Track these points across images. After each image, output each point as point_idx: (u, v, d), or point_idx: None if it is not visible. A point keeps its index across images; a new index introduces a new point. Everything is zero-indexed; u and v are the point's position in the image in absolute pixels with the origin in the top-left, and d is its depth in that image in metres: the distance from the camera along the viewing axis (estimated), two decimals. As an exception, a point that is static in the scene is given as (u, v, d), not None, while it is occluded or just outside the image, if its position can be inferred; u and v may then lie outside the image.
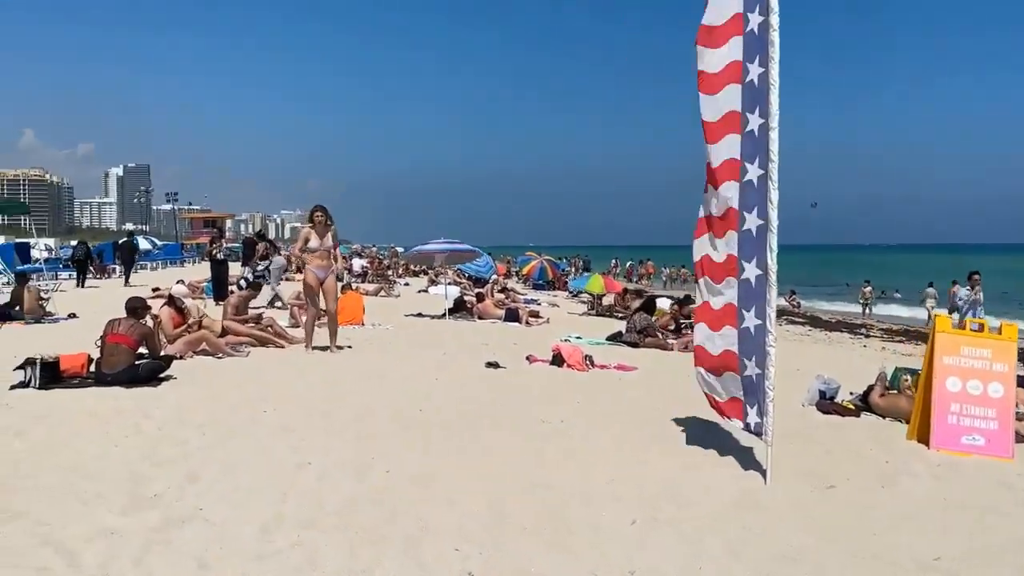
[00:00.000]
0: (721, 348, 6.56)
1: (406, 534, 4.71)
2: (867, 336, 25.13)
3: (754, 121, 6.34)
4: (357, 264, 36.05)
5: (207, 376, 9.70)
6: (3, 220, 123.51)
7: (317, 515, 4.96)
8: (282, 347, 12.38)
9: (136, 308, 9.58)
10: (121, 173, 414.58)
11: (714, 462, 6.53)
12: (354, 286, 22.96)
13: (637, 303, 24.71)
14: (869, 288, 35.94)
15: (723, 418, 6.81)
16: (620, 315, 24.87)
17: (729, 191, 6.49)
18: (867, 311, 35.02)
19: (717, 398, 6.76)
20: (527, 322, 18.91)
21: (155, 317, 9.67)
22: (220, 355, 11.18)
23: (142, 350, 9.42)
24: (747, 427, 6.45)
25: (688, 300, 20.38)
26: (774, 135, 6.15)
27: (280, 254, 24.70)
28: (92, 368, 9.22)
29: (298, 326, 15.15)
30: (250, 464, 5.97)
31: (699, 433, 7.40)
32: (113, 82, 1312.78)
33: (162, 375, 9.30)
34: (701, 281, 6.86)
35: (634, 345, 15.48)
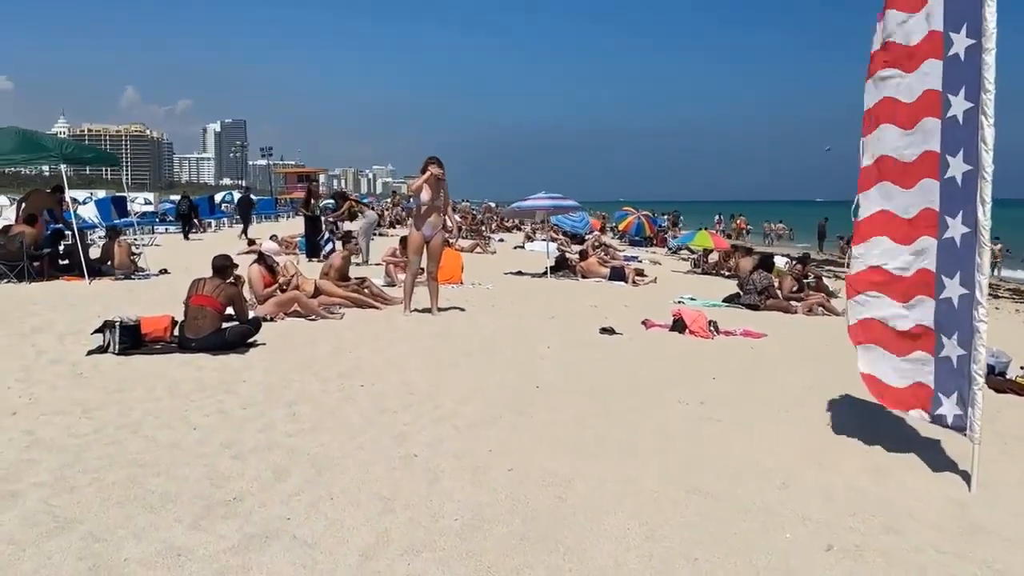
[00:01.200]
0: (912, 323, 5.31)
1: (549, 566, 3.69)
2: (995, 297, 23.14)
3: (959, 43, 5.05)
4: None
5: (299, 342, 8.86)
6: (106, 175, 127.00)
7: (431, 534, 3.96)
8: (379, 309, 11.51)
9: (223, 267, 8.75)
10: (219, 129, 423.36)
11: (905, 464, 5.31)
12: (451, 243, 22.04)
13: (746, 261, 23.33)
14: (999, 246, 32.47)
15: (897, 408, 5.59)
16: (727, 274, 23.53)
17: (926, 130, 5.21)
18: (996, 271, 31.70)
19: (891, 383, 5.52)
20: (634, 281, 17.73)
21: (238, 279, 8.81)
22: (313, 317, 10.36)
23: (231, 311, 8.63)
24: (937, 420, 5.23)
25: (806, 258, 18.93)
26: (990, 59, 4.84)
27: (371, 209, 24.02)
28: (176, 332, 8.47)
29: (393, 284, 14.31)
30: (346, 458, 5.03)
31: (872, 423, 6.18)
32: (211, 40, 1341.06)
33: (251, 340, 8.50)
34: (871, 241, 5.60)
35: (754, 308, 14.19)
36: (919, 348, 5.25)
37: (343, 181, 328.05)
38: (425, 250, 11.02)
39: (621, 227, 41.29)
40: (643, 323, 11.06)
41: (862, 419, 6.30)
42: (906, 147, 5.36)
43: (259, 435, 5.42)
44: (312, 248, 19.70)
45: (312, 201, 20.62)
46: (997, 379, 8.15)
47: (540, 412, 6.23)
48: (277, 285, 10.75)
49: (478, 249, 25.65)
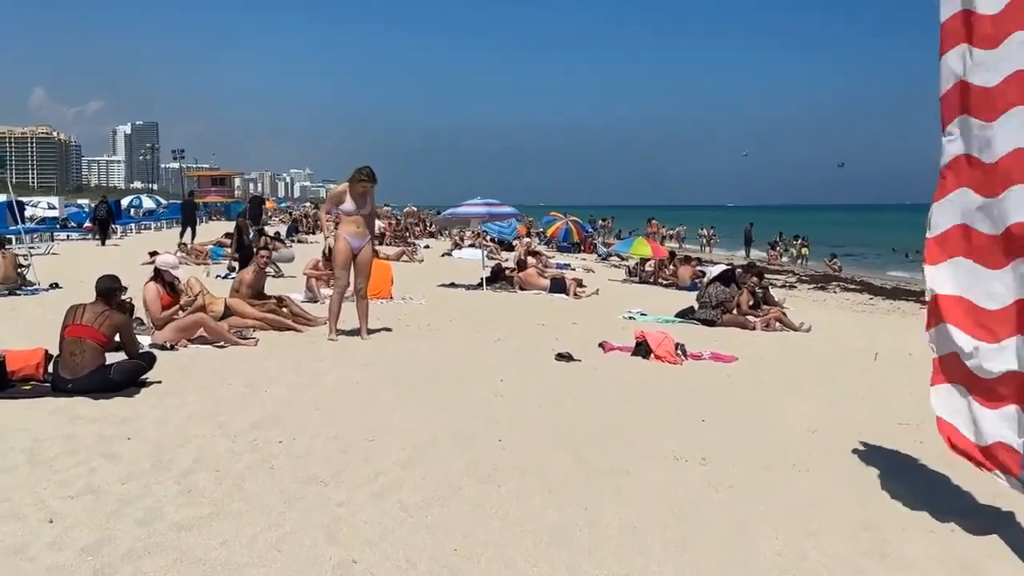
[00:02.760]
0: (1002, 367, 4.14)
1: None
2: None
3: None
4: (376, 225, 33.68)
5: (203, 378, 7.39)
6: (9, 178, 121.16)
7: None
8: (300, 331, 10.07)
9: (109, 290, 7.16)
10: (129, 131, 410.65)
11: (990, 551, 4.14)
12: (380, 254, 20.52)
13: (686, 269, 22.44)
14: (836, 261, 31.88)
15: (977, 467, 4.42)
16: (664, 282, 22.61)
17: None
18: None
19: (970, 436, 4.36)
20: (575, 294, 16.55)
21: (124, 305, 7.27)
22: (222, 344, 8.89)
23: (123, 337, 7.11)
24: None
25: (752, 266, 18.08)
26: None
27: (287, 246, 22.55)
28: (51, 368, 6.92)
29: (316, 301, 12.85)
30: (258, 566, 3.65)
31: (920, 483, 5.06)
32: (126, 40, 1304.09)
33: (142, 379, 7.00)
34: (948, 264, 4.44)
35: (711, 323, 13.14)
36: (1010, 400, 4.09)
37: (259, 185, 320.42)
38: (353, 264, 9.65)
39: (549, 233, 40.34)
40: (601, 346, 9.86)
41: (905, 477, 5.18)
42: (981, 146, 4.22)
43: (138, 530, 3.99)
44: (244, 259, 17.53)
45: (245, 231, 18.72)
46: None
47: (509, 478, 4.92)
48: (178, 306, 9.22)
49: (404, 257, 24.22)
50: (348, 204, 9.63)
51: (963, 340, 4.24)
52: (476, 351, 9.26)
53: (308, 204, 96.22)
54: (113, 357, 7.01)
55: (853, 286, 28.40)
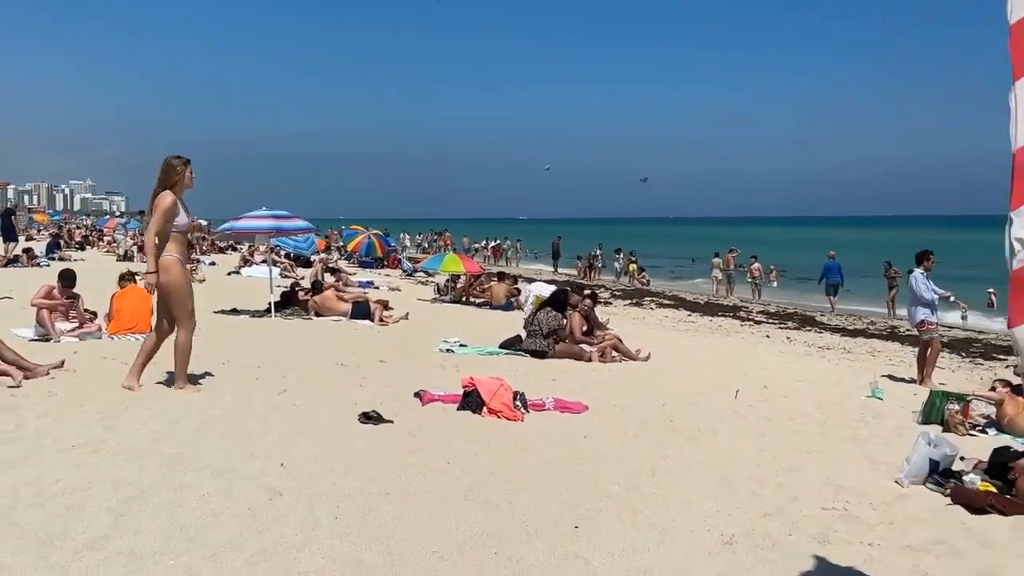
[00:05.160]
0: None
1: None
2: (756, 323, 22.09)
3: None
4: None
5: None
6: None
7: None
8: (15, 381, 7.35)
9: None
10: None
11: None
12: (139, 276, 17.28)
13: (500, 287, 20.64)
14: (758, 264, 31.42)
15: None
16: (477, 301, 20.76)
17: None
18: (757, 295, 30.33)
19: None
20: (381, 319, 14.27)
21: None
22: None
23: None
24: None
25: (579, 288, 16.45)
26: None
27: None
28: None
29: (49, 339, 10.01)
30: None
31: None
32: None
33: None
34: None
35: (541, 355, 11.29)
36: None
37: (36, 197, 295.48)
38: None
39: (350, 247, 37.78)
40: (418, 396, 7.71)
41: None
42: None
43: None
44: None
45: None
46: (953, 486, 5.60)
47: None
48: None
49: (182, 277, 21.04)
50: (181, 216, 7.27)
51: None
52: (249, 414, 6.82)
53: (86, 217, 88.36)
54: None
55: (667, 301, 27.69)
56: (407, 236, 57.30)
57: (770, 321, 22.61)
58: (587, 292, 13.59)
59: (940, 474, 5.79)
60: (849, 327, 21.69)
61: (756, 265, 30.76)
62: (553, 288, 20.23)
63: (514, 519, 4.64)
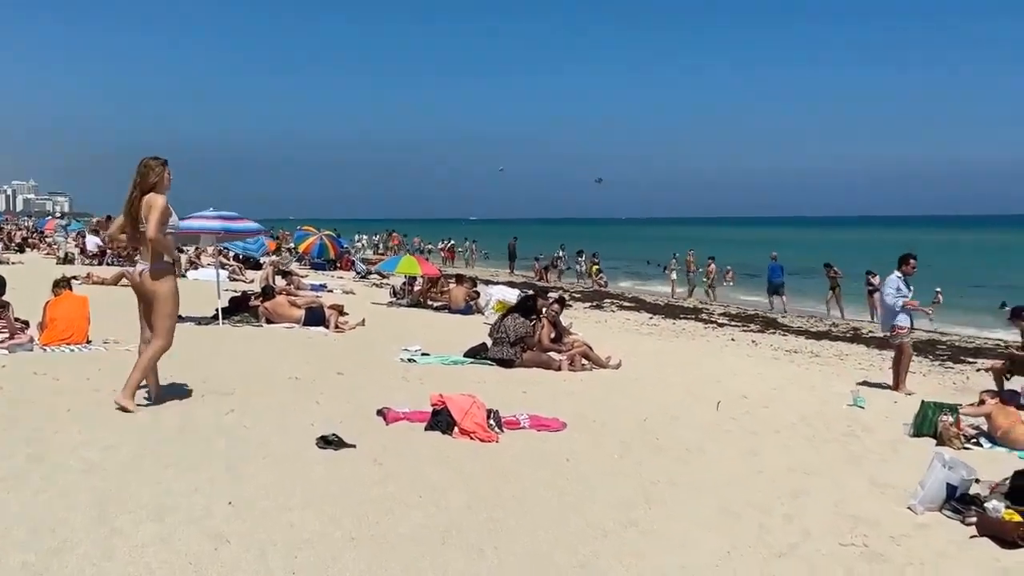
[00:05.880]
0: None
1: None
2: (719, 325, 21.72)
3: None
4: (92, 242, 28.72)
5: None
6: None
7: None
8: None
9: None
10: None
11: None
12: (77, 281, 16.35)
13: (459, 290, 20.00)
14: (714, 265, 31.01)
15: None
16: (435, 305, 20.13)
17: None
18: (711, 296, 29.99)
19: None
20: (336, 325, 13.56)
21: None
22: None
23: None
24: None
25: (543, 292, 15.91)
26: None
27: None
28: None
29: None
30: None
31: None
32: None
33: None
34: None
35: (508, 364, 10.71)
36: None
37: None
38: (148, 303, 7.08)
39: (301, 248, 36.74)
40: (381, 414, 7.06)
41: None
42: None
43: None
44: None
45: None
46: (980, 516, 5.11)
47: None
48: None
49: (124, 280, 20.10)
50: (174, 218, 7.11)
51: None
52: (193, 438, 6.11)
53: (28, 218, 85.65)
54: None
55: (627, 303, 27.23)
56: (365, 236, 56.43)
57: (733, 323, 22.25)
58: (555, 297, 12.99)
59: (958, 500, 5.31)
60: (812, 329, 21.41)
61: (712, 267, 30.53)
62: (516, 292, 19.81)
63: (501, 568, 4.04)
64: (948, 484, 5.33)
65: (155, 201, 6.75)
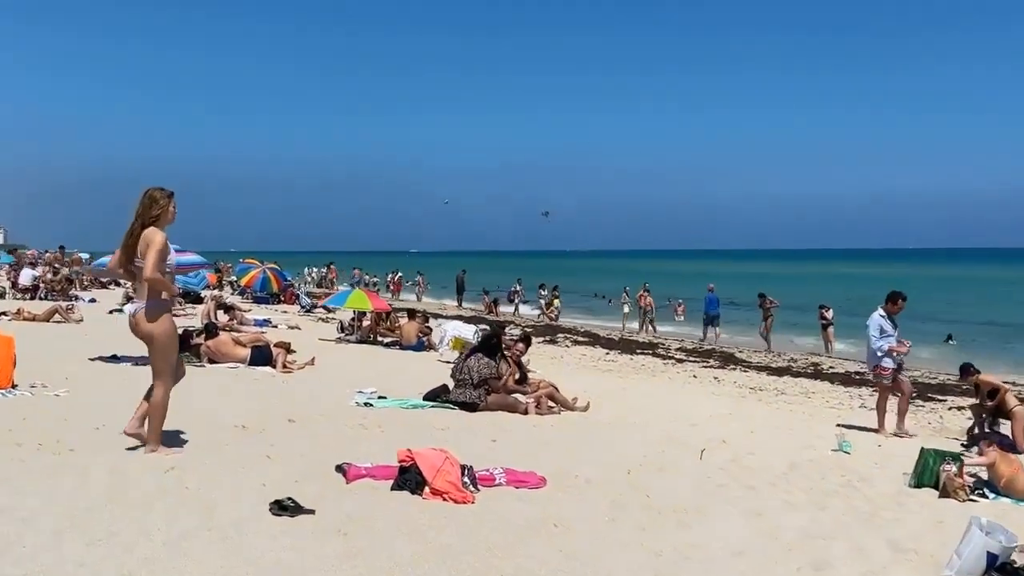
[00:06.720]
0: None
1: None
2: (678, 361, 21.25)
3: None
4: (27, 276, 27.26)
5: None
6: None
7: None
8: None
9: None
10: None
11: None
12: (6, 318, 15.24)
13: (410, 325, 19.24)
14: (650, 299, 30.88)
15: None
16: (386, 340, 19.38)
17: None
18: (646, 327, 30.19)
19: None
20: (284, 365, 12.71)
21: None
22: None
23: None
24: None
25: (502, 327, 15.20)
26: None
27: None
28: None
29: None
30: None
31: None
32: None
33: None
34: None
35: (472, 407, 9.99)
36: None
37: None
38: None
39: (243, 282, 35.55)
40: (341, 470, 6.30)
41: None
42: None
43: None
44: None
45: None
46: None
47: None
48: None
49: (58, 316, 18.97)
50: (172, 256, 6.73)
51: None
52: (126, 503, 5.29)
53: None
54: None
55: (581, 338, 26.66)
56: (315, 269, 55.23)
57: (691, 359, 21.80)
58: (518, 335, 12.33)
59: (998, 569, 4.74)
60: (773, 364, 21.05)
61: (649, 299, 30.55)
62: (471, 328, 19.08)
63: None
64: (988, 553, 4.76)
65: (154, 237, 6.39)
